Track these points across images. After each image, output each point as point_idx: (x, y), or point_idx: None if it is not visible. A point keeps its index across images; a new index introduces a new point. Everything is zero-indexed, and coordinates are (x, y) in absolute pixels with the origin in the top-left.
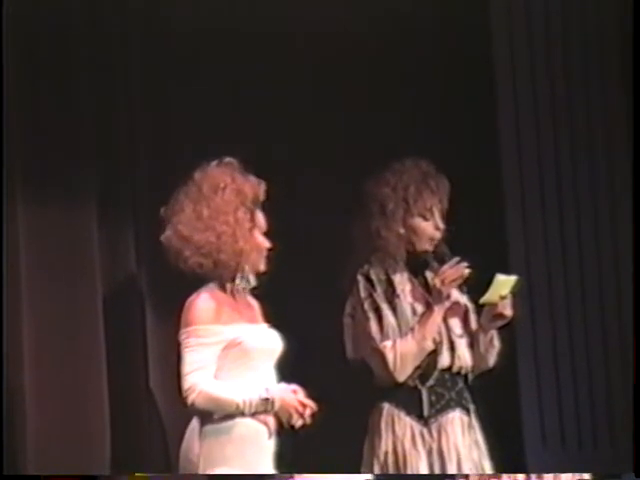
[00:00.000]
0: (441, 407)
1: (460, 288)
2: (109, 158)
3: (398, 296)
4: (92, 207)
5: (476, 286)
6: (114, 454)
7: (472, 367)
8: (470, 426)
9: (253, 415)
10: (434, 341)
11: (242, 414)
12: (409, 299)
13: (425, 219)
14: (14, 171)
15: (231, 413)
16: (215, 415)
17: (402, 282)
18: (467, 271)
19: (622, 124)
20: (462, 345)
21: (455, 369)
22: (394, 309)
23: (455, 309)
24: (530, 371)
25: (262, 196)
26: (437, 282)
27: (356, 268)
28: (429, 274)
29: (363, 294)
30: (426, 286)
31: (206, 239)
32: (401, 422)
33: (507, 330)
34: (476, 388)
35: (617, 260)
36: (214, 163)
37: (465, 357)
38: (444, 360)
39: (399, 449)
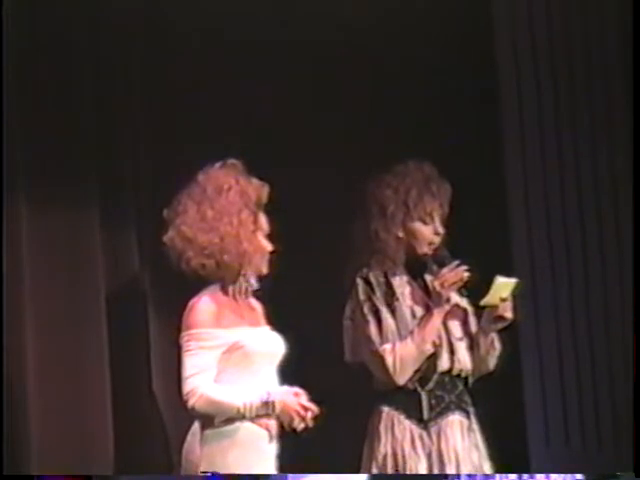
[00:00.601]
0: (441, 410)
1: (460, 291)
2: (111, 159)
3: (397, 299)
4: (95, 208)
5: (479, 289)
6: (116, 456)
7: (472, 370)
8: (470, 429)
9: (254, 419)
10: (434, 344)
11: (243, 418)
12: (408, 302)
13: (425, 223)
14: (17, 172)
15: (232, 417)
16: (216, 419)
17: (401, 285)
18: (467, 274)
19: (625, 126)
20: (462, 348)
21: (455, 372)
22: (393, 312)
23: (455, 312)
24: (534, 373)
25: (265, 199)
26: (437, 285)
27: (355, 271)
28: (428, 277)
29: (362, 297)
30: (425, 289)
31: (210, 240)
32: (401, 425)
33: (510, 332)
34: (477, 391)
35: (621, 262)
36: (218, 165)
37: (465, 360)
38: (444, 363)
39: (398, 452)
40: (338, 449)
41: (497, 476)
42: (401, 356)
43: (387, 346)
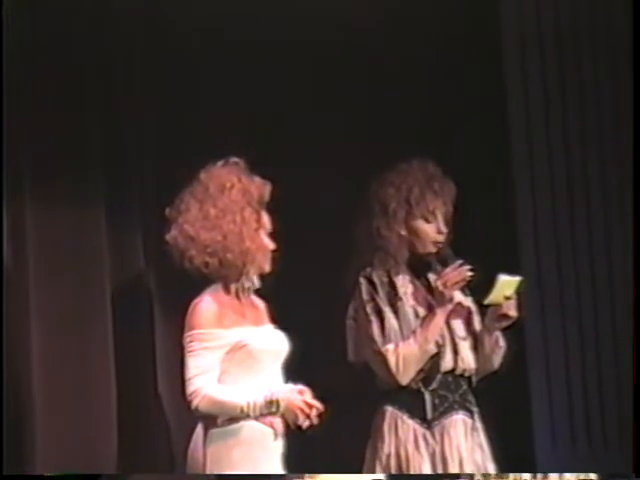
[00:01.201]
0: (444, 410)
1: (463, 290)
2: (116, 159)
3: (400, 299)
4: (100, 207)
5: (483, 288)
6: (121, 455)
7: (476, 369)
8: (474, 429)
9: (258, 417)
10: (437, 344)
11: (247, 417)
12: (411, 302)
13: (427, 222)
14: (21, 172)
15: (236, 416)
16: (219, 419)
17: (404, 285)
18: (470, 274)
19: (634, 125)
20: (465, 347)
21: (458, 371)
22: (396, 312)
23: (458, 311)
24: (539, 372)
25: (267, 197)
26: (440, 285)
27: (358, 270)
28: (431, 276)
29: (365, 297)
30: (429, 289)
31: (212, 238)
32: (404, 425)
33: (516, 331)
34: (481, 390)
35: (627, 260)
36: (220, 163)
37: (468, 359)
38: (447, 363)
39: (402, 452)
40: (343, 447)
41: (511, 475)
42: (404, 356)
43: (390, 346)
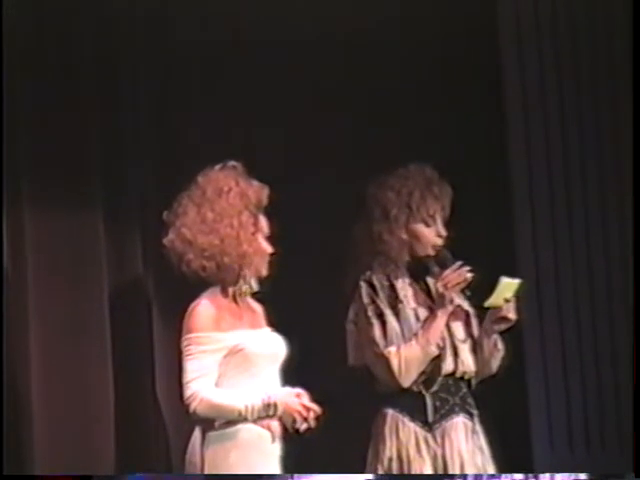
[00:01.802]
0: (445, 412)
1: (463, 292)
2: (115, 162)
3: (401, 301)
4: (98, 211)
5: (482, 290)
6: (118, 458)
7: (475, 372)
8: (474, 431)
9: (256, 420)
10: (438, 346)
11: (245, 420)
12: (412, 304)
13: (427, 225)
14: (19, 175)
15: (233, 419)
16: (217, 422)
17: (404, 288)
18: (470, 275)
19: (632, 126)
20: (465, 350)
21: (458, 374)
22: (397, 315)
23: (457, 314)
24: (538, 374)
25: (265, 201)
26: (440, 287)
27: (358, 274)
28: (430, 280)
29: (366, 300)
30: (428, 292)
31: (210, 242)
32: (405, 428)
33: (514, 333)
34: (481, 393)
35: (625, 263)
36: (218, 167)
37: (468, 362)
38: (448, 365)
39: (403, 455)
40: (341, 451)
41: (503, 476)
42: (406, 358)
43: (392, 348)
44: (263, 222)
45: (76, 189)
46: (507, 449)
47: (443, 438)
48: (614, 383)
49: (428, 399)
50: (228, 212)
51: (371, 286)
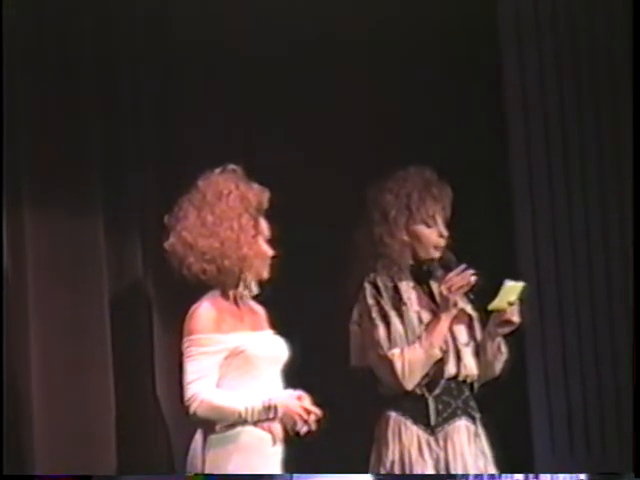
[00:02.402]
0: (447, 416)
1: (466, 295)
2: (115, 165)
3: (405, 304)
4: (99, 214)
5: (483, 293)
6: (119, 459)
7: (478, 375)
8: (476, 435)
9: (256, 423)
10: (441, 349)
11: (245, 422)
12: (415, 307)
13: (428, 226)
14: (20, 179)
15: (234, 422)
16: (217, 425)
17: (408, 290)
18: (474, 278)
19: (632, 128)
20: (468, 353)
21: (461, 377)
22: (401, 317)
23: (460, 317)
24: (539, 377)
25: (266, 204)
26: (444, 289)
27: (362, 276)
28: (434, 283)
29: (370, 301)
30: (431, 295)
31: (210, 245)
32: (408, 431)
33: (516, 338)
34: (482, 395)
35: (625, 266)
36: (218, 170)
37: (471, 365)
38: (450, 369)
39: (406, 458)
40: (343, 454)
41: (503, 476)
42: (410, 361)
43: (396, 350)
44: (264, 225)
45: (76, 191)
46: (508, 451)
47: (445, 441)
48: (614, 385)
49: (430, 402)
50: (228, 215)
51: (375, 287)
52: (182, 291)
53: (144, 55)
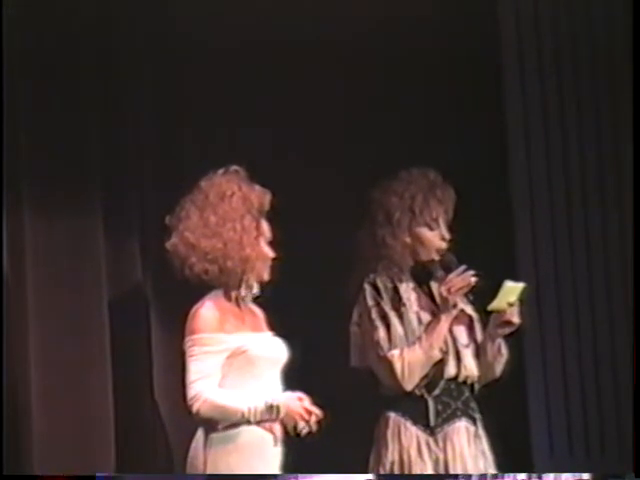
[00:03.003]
0: (447, 417)
1: (466, 297)
2: (115, 166)
3: (404, 305)
4: (98, 215)
5: (483, 294)
6: (118, 460)
7: (478, 376)
8: (476, 436)
9: (258, 423)
10: (441, 350)
11: (247, 422)
12: (415, 308)
13: (431, 229)
14: (19, 180)
15: (236, 421)
16: (220, 424)
17: (408, 291)
18: (474, 280)
19: (631, 131)
20: (468, 355)
21: (461, 378)
22: (401, 318)
23: (460, 318)
24: (538, 379)
25: (267, 205)
26: (444, 291)
27: (362, 276)
28: (434, 284)
29: (370, 302)
30: (431, 296)
31: (213, 245)
32: (407, 432)
33: (515, 339)
34: (483, 397)
35: (624, 268)
36: (221, 171)
37: (471, 367)
38: (450, 369)
39: (405, 458)
40: (343, 454)
41: (506, 476)
42: (409, 362)
43: (395, 351)
44: (265, 227)
45: (75, 194)
46: (507, 452)
47: (445, 442)
48: (613, 386)
49: (430, 403)
50: (231, 216)
51: (375, 288)
52: (181, 292)
53: (144, 55)
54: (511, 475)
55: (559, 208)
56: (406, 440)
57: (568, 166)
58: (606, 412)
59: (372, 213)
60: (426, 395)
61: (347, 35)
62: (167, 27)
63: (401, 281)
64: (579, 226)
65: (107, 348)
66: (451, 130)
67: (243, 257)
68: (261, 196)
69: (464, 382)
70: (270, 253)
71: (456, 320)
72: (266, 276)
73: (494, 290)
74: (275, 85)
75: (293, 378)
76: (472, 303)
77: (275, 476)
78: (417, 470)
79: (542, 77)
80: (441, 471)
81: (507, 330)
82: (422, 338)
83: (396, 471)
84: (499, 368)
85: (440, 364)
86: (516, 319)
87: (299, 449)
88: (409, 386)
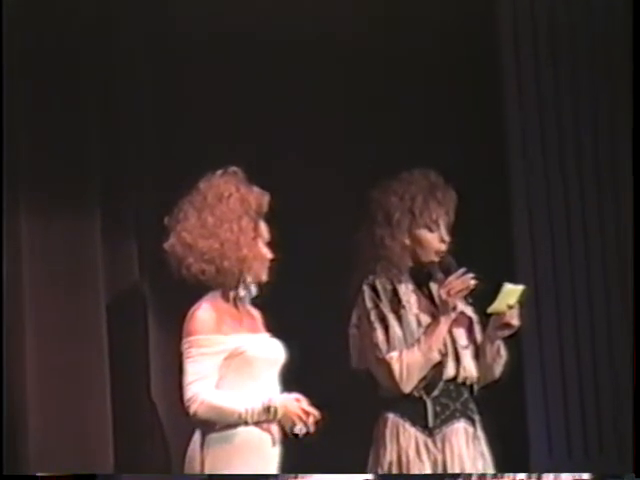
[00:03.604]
0: (446, 418)
1: (465, 299)
2: (113, 168)
3: (404, 307)
4: (95, 216)
5: (482, 296)
6: (116, 461)
7: (478, 378)
8: (475, 437)
9: (256, 424)
10: (440, 352)
11: (245, 423)
12: (414, 310)
13: (431, 231)
14: (17, 182)
15: (233, 422)
16: (217, 425)
17: (407, 293)
18: (473, 282)
19: (631, 133)
20: (467, 356)
21: (460, 380)
22: (400, 320)
23: (460, 320)
24: (536, 381)
25: (266, 207)
26: (443, 293)
27: (361, 278)
28: (433, 286)
29: (369, 304)
30: (431, 298)
31: (210, 246)
32: (406, 433)
33: (513, 340)
34: (482, 399)
35: (623, 270)
36: (219, 173)
37: (470, 368)
38: (449, 371)
39: (403, 459)
40: (342, 455)
41: (505, 476)
42: (408, 364)
43: (394, 354)
44: (263, 228)
45: (73, 196)
46: (506, 453)
47: (443, 443)
48: (612, 389)
49: (429, 404)
50: (228, 217)
51: (374, 290)
52: (178, 293)
53: (144, 56)
54: (511, 475)
55: (558, 211)
56: (404, 441)
57: (566, 170)
58: (604, 413)
59: (371, 213)
60: (425, 396)
61: (347, 35)
62: (167, 27)
63: (400, 283)
64: (577, 228)
65: (105, 349)
66: (450, 132)
67: (240, 257)
68: (259, 197)
69: (463, 383)
70: (268, 254)
71: (455, 321)
72: (264, 277)
73: (493, 292)
74: (275, 85)
75: (291, 379)
76: (471, 305)
77: (275, 476)
78: (415, 470)
79: (540, 80)
80: (439, 472)
81: (507, 332)
82: (421, 340)
83: (394, 472)
84: (498, 370)
85: (439, 365)
86: (515, 321)
87: (297, 450)
88: (407, 388)
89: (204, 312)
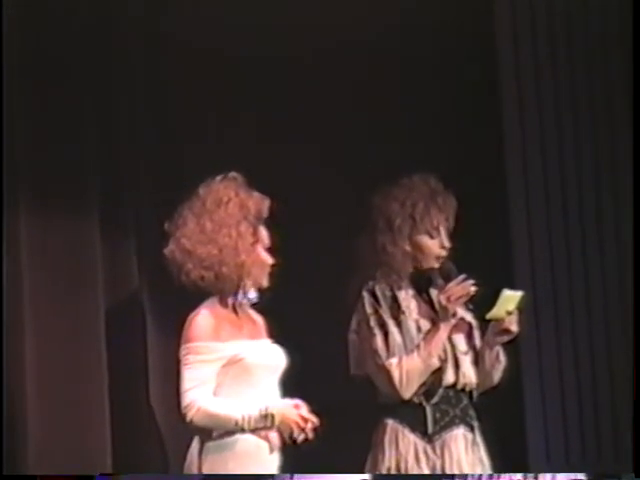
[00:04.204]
0: (445, 424)
1: (465, 305)
2: (112, 172)
3: (403, 313)
4: (94, 221)
5: (481, 302)
6: (114, 466)
7: (477, 384)
8: (474, 443)
9: (253, 431)
10: (439, 358)
11: (242, 430)
12: (414, 316)
13: (431, 237)
14: (16, 185)
15: (230, 429)
16: (214, 432)
17: (407, 299)
18: (473, 288)
19: (628, 136)
20: (467, 362)
21: (460, 386)
22: (399, 326)
23: (460, 326)
24: (534, 387)
25: (266, 212)
26: (443, 299)
27: (361, 284)
28: (433, 292)
29: (369, 310)
30: (431, 304)
31: (208, 252)
32: (405, 439)
33: (512, 346)
34: (481, 405)
35: (622, 276)
36: (218, 178)
37: (470, 374)
38: (449, 377)
39: (402, 466)
40: (340, 461)
41: (502, 476)
42: (407, 370)
43: (393, 360)
44: (263, 233)
45: (72, 199)
46: (505, 459)
47: (443, 449)
48: (611, 395)
49: (428, 410)
50: (227, 222)
51: (374, 296)
52: (177, 299)
53: (144, 57)
54: (507, 475)
55: (556, 217)
56: (403, 447)
57: (565, 176)
58: (603, 420)
59: (372, 219)
60: (424, 403)
61: (345, 36)
62: (167, 28)
63: (400, 289)
64: (576, 235)
65: (103, 353)
66: (450, 137)
67: (238, 263)
68: (259, 202)
69: (462, 389)
70: (268, 259)
71: (455, 327)
72: (265, 283)
73: (493, 298)
74: (275, 90)
75: (291, 385)
76: (471, 311)
77: (272, 476)
78: None
79: (539, 83)
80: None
81: (505, 338)
82: (421, 346)
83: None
84: (497, 376)
85: (439, 372)
86: (514, 327)
87: (296, 457)
88: (407, 394)
89: (202, 319)
